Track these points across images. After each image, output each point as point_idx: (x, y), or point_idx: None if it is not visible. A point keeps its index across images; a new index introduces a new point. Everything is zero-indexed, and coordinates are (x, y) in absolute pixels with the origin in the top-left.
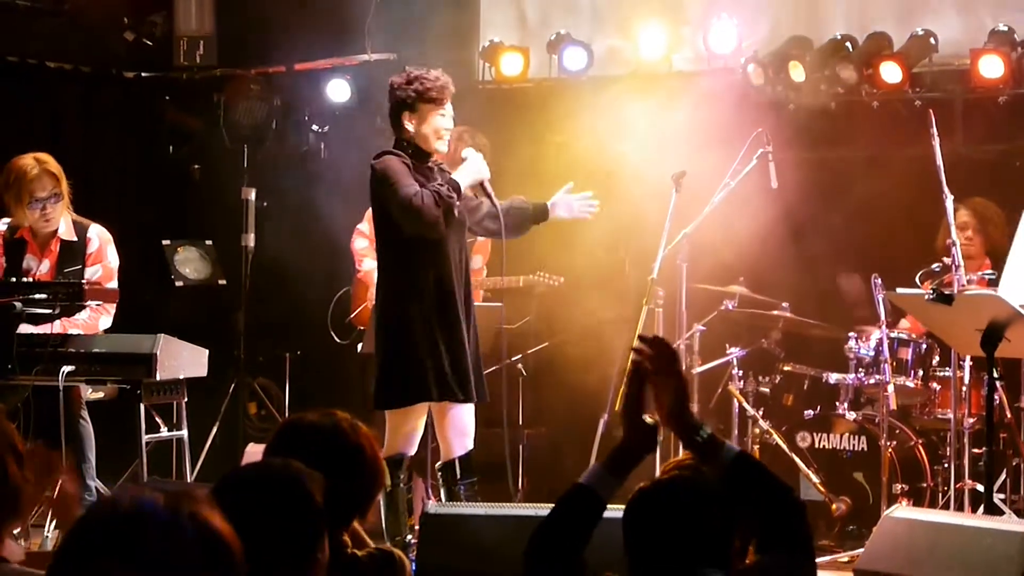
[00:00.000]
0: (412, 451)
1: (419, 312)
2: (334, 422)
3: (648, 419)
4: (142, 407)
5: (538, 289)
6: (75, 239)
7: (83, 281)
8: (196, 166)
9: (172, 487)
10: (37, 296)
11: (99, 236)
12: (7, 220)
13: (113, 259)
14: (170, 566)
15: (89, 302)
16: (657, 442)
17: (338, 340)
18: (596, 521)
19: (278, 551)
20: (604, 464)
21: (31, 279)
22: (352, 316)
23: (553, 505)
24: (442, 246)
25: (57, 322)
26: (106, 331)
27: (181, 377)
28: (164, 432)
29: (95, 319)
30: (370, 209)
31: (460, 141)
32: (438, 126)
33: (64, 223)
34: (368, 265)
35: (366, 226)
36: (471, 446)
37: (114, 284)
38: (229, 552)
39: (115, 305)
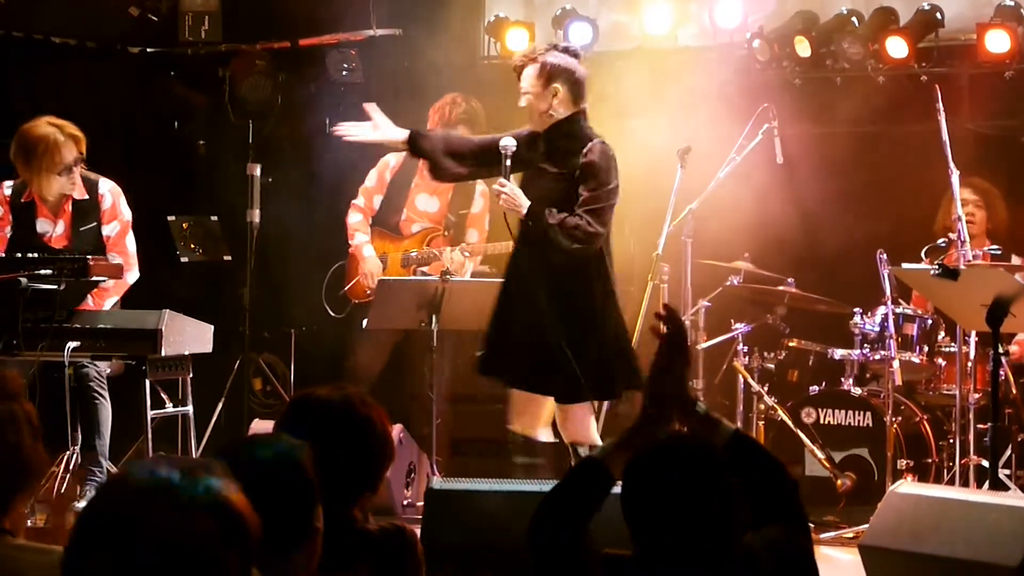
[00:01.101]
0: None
1: (615, 303)
2: (344, 397)
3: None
4: (147, 383)
5: None
6: (86, 197)
7: (87, 257)
8: (201, 142)
9: (187, 461)
10: (42, 272)
11: (111, 192)
12: (10, 183)
13: (127, 212)
14: (187, 540)
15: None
16: (672, 418)
17: (333, 314)
18: (604, 494)
19: (272, 522)
20: (617, 440)
21: (48, 243)
22: (346, 289)
23: (557, 481)
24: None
25: (89, 298)
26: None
27: (186, 353)
28: (169, 408)
29: (123, 277)
30: (367, 183)
31: (454, 105)
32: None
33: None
34: (359, 239)
35: (361, 200)
36: None
37: (131, 238)
38: (245, 526)
39: (131, 258)
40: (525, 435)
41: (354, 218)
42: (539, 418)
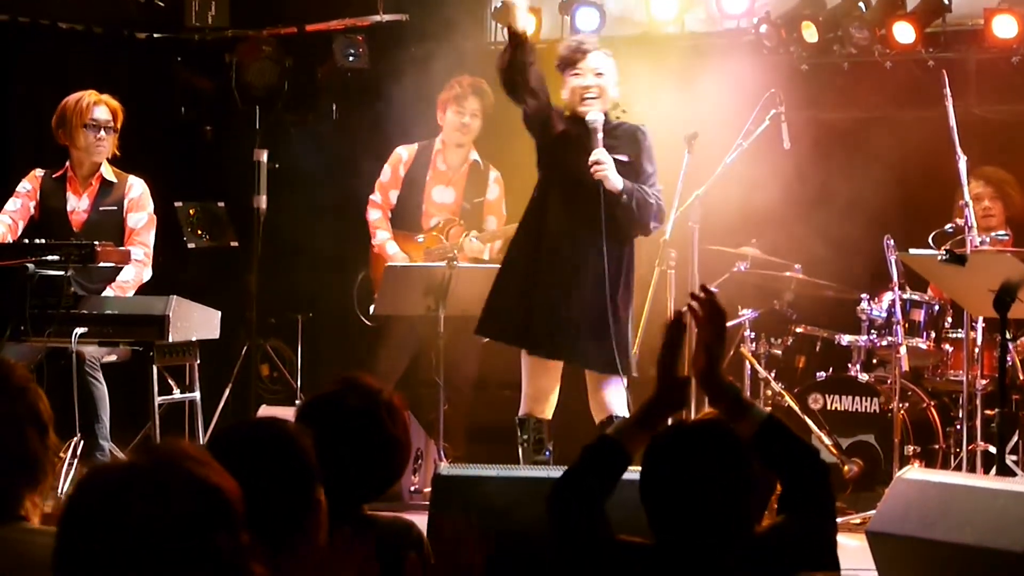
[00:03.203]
0: None
1: None
2: (368, 408)
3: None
4: (155, 369)
5: None
6: (115, 181)
7: (95, 243)
8: (208, 127)
9: (160, 446)
10: (49, 258)
11: (141, 183)
12: (42, 171)
13: (152, 207)
14: (171, 522)
15: (133, 256)
16: (687, 398)
17: (368, 323)
18: (620, 472)
19: (273, 499)
20: (632, 417)
21: (70, 218)
22: (376, 296)
23: (566, 467)
24: None
25: (109, 288)
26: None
27: (193, 339)
28: (177, 394)
29: (139, 273)
30: (381, 178)
31: (461, 82)
32: (574, 85)
33: (106, 166)
34: (381, 236)
35: (378, 195)
36: None
37: (153, 235)
38: (226, 503)
39: (150, 256)
40: (545, 420)
41: (374, 215)
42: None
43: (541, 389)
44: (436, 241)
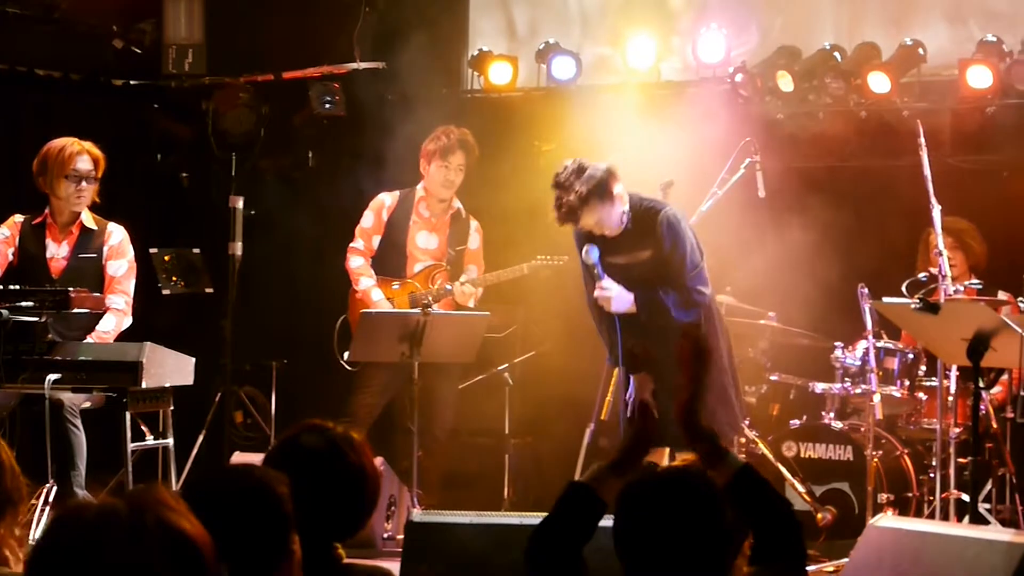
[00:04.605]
0: None
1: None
2: (333, 442)
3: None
4: (128, 415)
5: (543, 273)
6: (95, 228)
7: (69, 289)
8: (184, 174)
9: (135, 491)
10: (23, 304)
11: (121, 231)
12: (22, 217)
13: (132, 254)
14: (138, 571)
15: (114, 304)
16: (659, 441)
17: (349, 368)
18: (596, 519)
19: (247, 547)
20: (607, 464)
21: (48, 265)
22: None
23: (540, 514)
24: None
25: (89, 337)
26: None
27: (167, 385)
28: (150, 440)
29: (120, 322)
30: (363, 223)
31: (448, 133)
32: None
33: (87, 213)
34: (365, 283)
35: (360, 242)
36: None
37: (133, 283)
38: (197, 552)
39: (130, 304)
40: None
41: (355, 262)
42: None
43: None
44: (412, 288)
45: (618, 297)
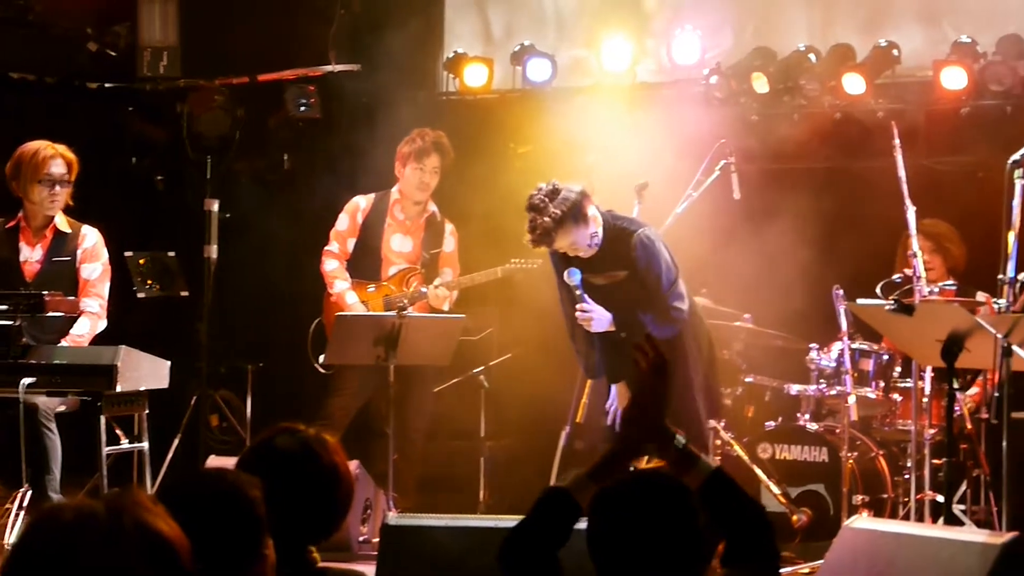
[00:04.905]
0: None
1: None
2: (305, 443)
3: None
4: (103, 419)
5: (517, 276)
6: (69, 231)
7: (43, 293)
8: (159, 177)
9: (113, 494)
10: None
11: (95, 233)
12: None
13: (106, 257)
14: (115, 573)
15: (88, 308)
16: (644, 451)
17: (324, 371)
18: (571, 523)
19: (219, 550)
20: (588, 470)
21: (22, 269)
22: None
23: (516, 517)
24: None
25: (64, 341)
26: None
27: (142, 389)
28: (125, 444)
29: (94, 326)
30: (338, 226)
31: (423, 135)
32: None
33: (60, 217)
34: (340, 287)
35: (335, 245)
36: None
37: (108, 286)
38: (174, 554)
39: (105, 308)
40: None
41: (330, 265)
42: None
43: None
44: (386, 291)
45: (598, 318)
